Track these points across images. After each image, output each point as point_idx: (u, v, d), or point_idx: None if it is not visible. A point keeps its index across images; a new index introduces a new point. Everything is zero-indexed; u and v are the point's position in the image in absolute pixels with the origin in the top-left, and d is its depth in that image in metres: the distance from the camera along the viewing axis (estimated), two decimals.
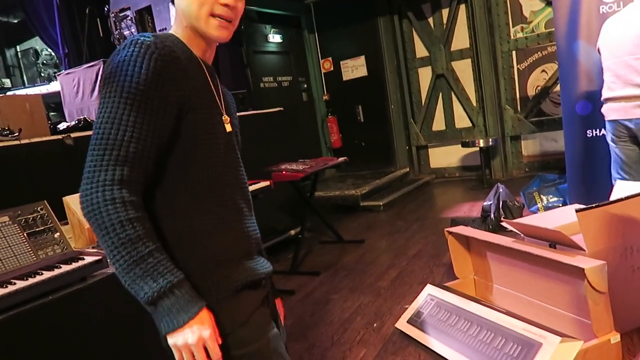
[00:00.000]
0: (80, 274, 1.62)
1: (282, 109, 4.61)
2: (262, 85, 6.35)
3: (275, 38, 6.59)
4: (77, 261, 1.66)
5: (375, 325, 2.69)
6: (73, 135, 2.67)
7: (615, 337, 2.00)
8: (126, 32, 6.28)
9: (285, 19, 6.83)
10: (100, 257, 1.70)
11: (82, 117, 3.07)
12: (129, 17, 6.22)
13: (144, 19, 6.30)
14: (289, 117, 5.68)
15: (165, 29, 6.07)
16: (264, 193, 3.28)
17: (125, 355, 1.70)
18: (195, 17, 1.06)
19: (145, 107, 0.94)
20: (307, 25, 7.19)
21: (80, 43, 6.48)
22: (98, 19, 6.52)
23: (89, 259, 1.67)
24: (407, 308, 2.61)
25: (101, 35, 6.48)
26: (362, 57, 6.90)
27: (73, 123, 2.98)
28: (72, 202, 2.12)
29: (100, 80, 0.98)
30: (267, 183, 3.32)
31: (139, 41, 0.97)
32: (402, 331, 2.51)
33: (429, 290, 2.56)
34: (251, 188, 3.22)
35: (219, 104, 1.13)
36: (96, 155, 0.95)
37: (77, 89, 5.11)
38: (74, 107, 5.17)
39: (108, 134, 0.94)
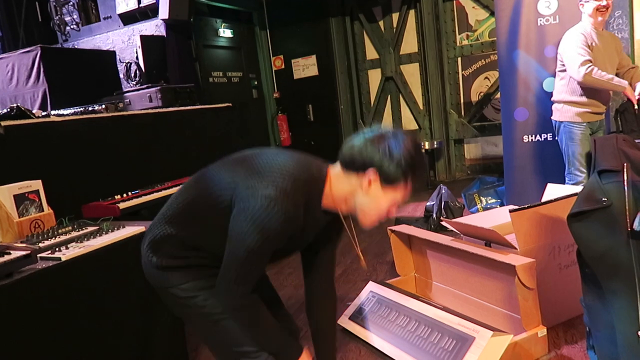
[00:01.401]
0: (6, 269, 1.53)
1: (230, 104, 4.54)
2: (211, 80, 6.24)
3: (225, 33, 6.49)
4: (3, 256, 1.56)
5: None
6: (4, 123, 2.52)
7: (542, 331, 2.12)
8: (67, 18, 6.00)
9: (236, 14, 6.74)
10: (29, 252, 1.62)
11: (15, 104, 2.90)
12: (71, 3, 5.94)
13: (88, 5, 6.04)
14: (238, 113, 5.61)
15: (110, 17, 5.84)
16: None
17: (53, 354, 1.63)
18: (365, 212, 1.33)
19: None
20: (258, 21, 7.13)
21: (16, 27, 6.12)
22: (37, 3, 6.19)
23: (16, 254, 1.58)
24: (349, 305, 2.65)
25: (39, 20, 6.15)
26: (314, 57, 6.92)
27: (5, 111, 2.81)
28: (1, 194, 2.00)
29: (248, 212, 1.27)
30: None
31: (284, 210, 1.23)
32: (344, 327, 2.54)
33: (371, 287, 2.61)
34: None
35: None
36: None
37: (12, 75, 4.82)
38: (7, 94, 4.88)
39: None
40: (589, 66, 3.00)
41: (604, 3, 3.06)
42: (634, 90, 3.07)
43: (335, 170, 1.36)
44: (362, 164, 1.28)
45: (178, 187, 3.03)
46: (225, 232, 1.32)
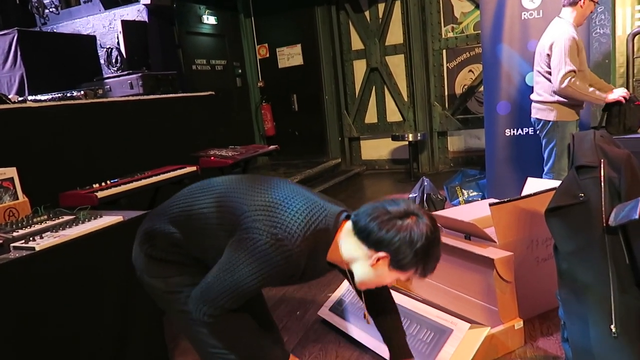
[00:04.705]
0: None
1: (213, 93, 4.49)
2: (194, 67, 6.15)
3: (209, 19, 6.40)
4: None
5: (298, 313, 2.72)
6: None
7: (519, 324, 2.15)
8: (46, 1, 5.84)
9: (220, 1, 6.63)
10: (1, 241, 1.58)
11: None
12: None
13: None
14: (221, 102, 5.55)
15: (91, 0, 5.70)
16: (190, 178, 3.18)
17: (26, 347, 1.59)
18: (364, 281, 1.32)
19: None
20: (243, 8, 7.04)
21: None
22: None
23: None
24: (330, 296, 2.65)
25: (17, 2, 5.98)
26: (299, 46, 6.87)
27: None
28: None
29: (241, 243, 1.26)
30: (193, 168, 3.23)
31: (288, 253, 1.21)
32: (324, 319, 2.54)
33: None
34: (176, 173, 3.12)
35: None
36: None
37: None
38: None
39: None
40: (572, 78, 2.98)
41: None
42: (614, 94, 3.08)
43: (347, 228, 1.31)
44: (376, 242, 1.23)
45: (159, 177, 2.99)
46: (220, 251, 1.31)
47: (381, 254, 1.23)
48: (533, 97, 3.32)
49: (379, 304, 1.61)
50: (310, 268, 1.31)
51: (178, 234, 1.40)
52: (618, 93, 3.09)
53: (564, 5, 3.14)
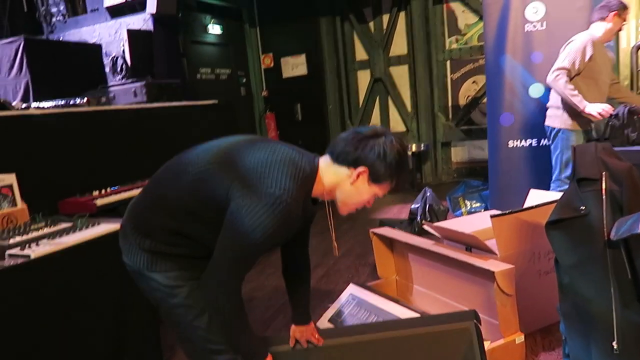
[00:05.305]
0: None
1: (216, 101, 4.49)
2: (198, 76, 6.18)
3: (214, 29, 6.43)
4: None
5: None
6: None
7: (520, 338, 2.11)
8: (53, 10, 5.91)
9: (225, 10, 6.68)
10: None
11: None
12: None
13: None
14: (224, 110, 5.56)
15: (97, 9, 5.76)
16: None
17: (19, 355, 1.58)
18: (346, 202, 1.43)
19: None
20: (248, 18, 7.08)
21: (0, 17, 6.00)
22: None
23: None
24: (329, 307, 2.62)
25: (25, 10, 6.05)
26: (303, 56, 6.89)
27: None
28: None
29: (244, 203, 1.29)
30: None
31: (288, 208, 1.27)
32: (322, 330, 2.51)
33: (351, 289, 2.59)
34: None
35: None
36: None
37: None
38: None
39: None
40: (560, 74, 3.06)
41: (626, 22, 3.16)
42: (590, 107, 3.04)
43: (324, 162, 1.42)
44: (355, 160, 1.36)
45: None
46: (217, 227, 1.32)
47: (360, 168, 1.36)
48: (548, 104, 3.36)
49: (293, 268, 1.73)
50: (303, 214, 1.39)
51: (168, 219, 1.39)
52: (595, 108, 2.99)
53: (592, 22, 3.17)
